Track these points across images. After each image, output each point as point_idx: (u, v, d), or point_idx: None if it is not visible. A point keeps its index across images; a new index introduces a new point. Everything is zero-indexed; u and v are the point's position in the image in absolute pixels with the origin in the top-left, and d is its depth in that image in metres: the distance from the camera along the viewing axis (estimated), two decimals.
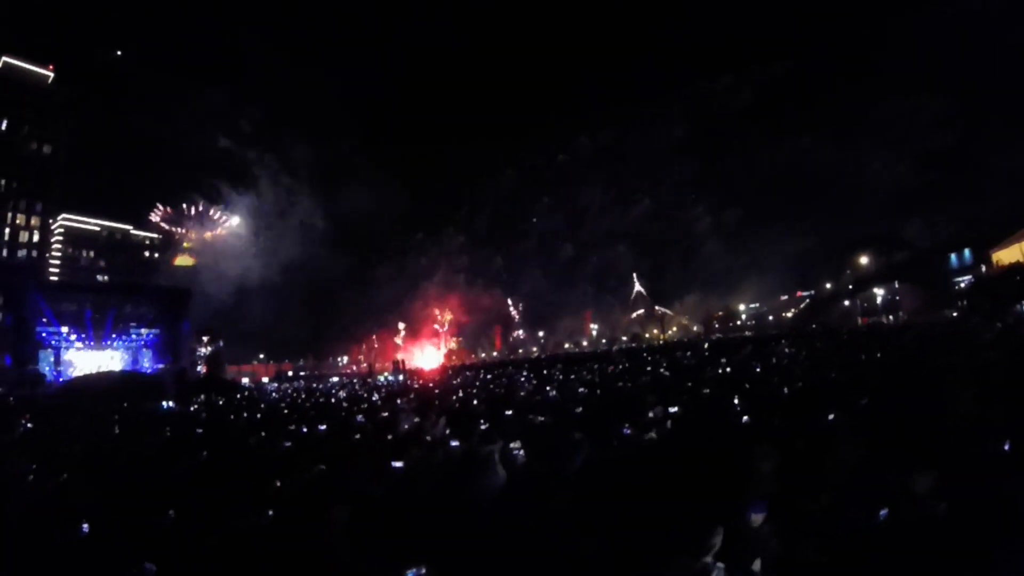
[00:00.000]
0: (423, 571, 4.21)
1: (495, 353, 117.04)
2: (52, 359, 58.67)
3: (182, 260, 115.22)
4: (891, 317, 67.20)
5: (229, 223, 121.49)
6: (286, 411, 19.90)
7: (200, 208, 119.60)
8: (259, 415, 19.72)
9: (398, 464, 7.82)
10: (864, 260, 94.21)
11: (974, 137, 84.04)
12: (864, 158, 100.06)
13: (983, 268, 65.86)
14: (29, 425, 20.58)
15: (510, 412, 12.67)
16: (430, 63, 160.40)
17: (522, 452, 7.73)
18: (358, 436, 11.21)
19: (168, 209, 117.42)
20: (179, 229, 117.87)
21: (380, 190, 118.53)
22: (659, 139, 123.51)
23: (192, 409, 26.01)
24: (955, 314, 49.32)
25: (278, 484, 7.32)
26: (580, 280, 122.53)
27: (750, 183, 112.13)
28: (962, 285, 66.68)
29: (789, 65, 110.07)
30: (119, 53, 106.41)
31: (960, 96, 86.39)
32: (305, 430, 13.05)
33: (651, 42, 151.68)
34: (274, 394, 40.65)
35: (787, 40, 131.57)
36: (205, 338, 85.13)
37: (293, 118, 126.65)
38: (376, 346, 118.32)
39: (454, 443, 8.85)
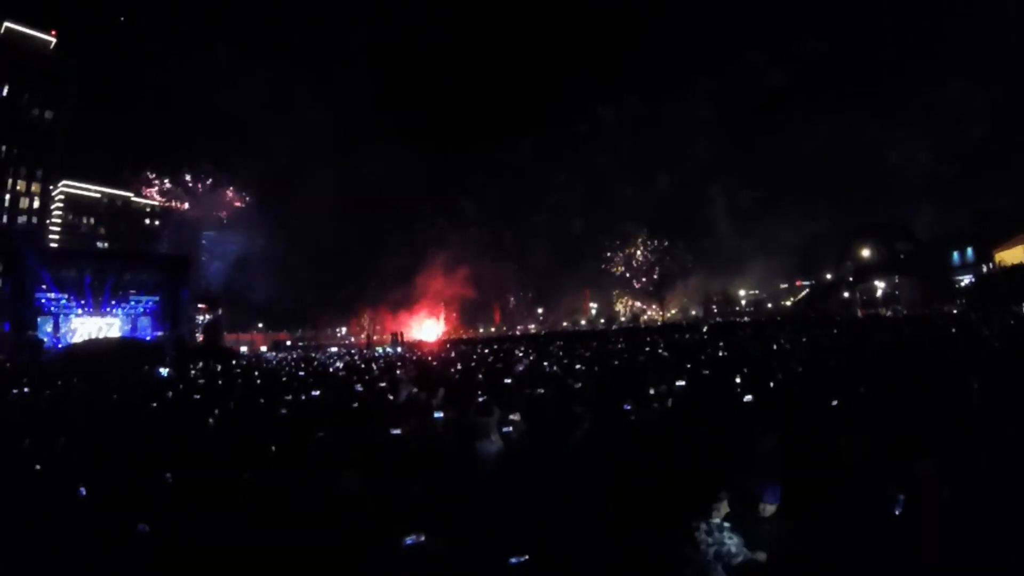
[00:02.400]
0: (422, 538, 4.21)
1: (492, 329, 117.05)
2: (51, 325, 58.61)
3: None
4: (889, 311, 66.96)
5: (231, 192, 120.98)
6: (284, 379, 19.86)
7: (201, 177, 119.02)
8: (257, 382, 19.75)
9: (396, 431, 7.81)
10: (866, 251, 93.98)
11: (993, 133, 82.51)
12: (877, 145, 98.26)
13: (985, 267, 65.68)
14: (27, 390, 20.53)
15: (508, 381, 12.68)
16: (451, 29, 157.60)
17: (520, 423, 7.72)
18: (356, 405, 11.20)
19: (166, 181, 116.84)
20: (178, 203, 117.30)
21: (387, 161, 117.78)
22: (675, 119, 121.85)
23: (191, 375, 26.01)
24: (955, 311, 49.29)
25: (274, 449, 7.30)
26: (584, 257, 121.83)
27: (760, 166, 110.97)
28: (963, 283, 66.64)
29: (809, 47, 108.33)
30: (122, 19, 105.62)
31: (986, 90, 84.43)
32: (303, 398, 13.06)
33: (671, 21, 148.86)
34: (273, 362, 40.64)
35: (807, 20, 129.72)
36: (203, 306, 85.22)
37: (300, 84, 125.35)
38: (373, 318, 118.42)
39: (447, 414, 8.84)
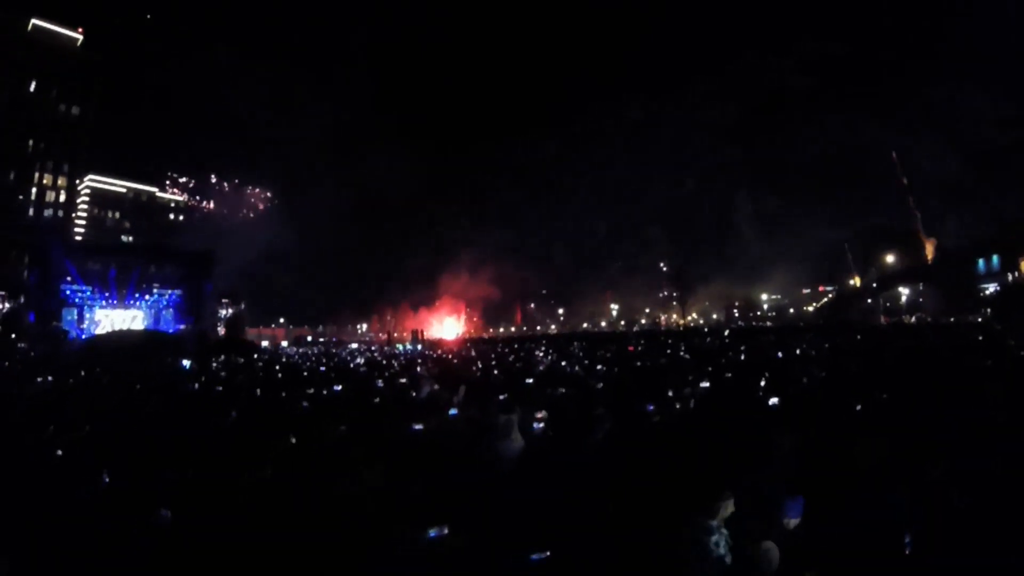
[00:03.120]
0: (445, 531, 4.23)
1: (512, 329, 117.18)
2: (75, 316, 59.37)
3: None
4: (913, 319, 66.29)
5: (255, 190, 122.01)
6: (305, 374, 19.99)
7: (225, 175, 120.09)
8: (279, 376, 19.89)
9: (418, 427, 7.84)
10: (890, 258, 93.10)
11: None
12: (904, 151, 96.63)
13: (1011, 275, 64.84)
14: (49, 378, 20.79)
15: (530, 381, 12.68)
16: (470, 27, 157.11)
17: (542, 423, 7.74)
18: (377, 400, 11.24)
19: (191, 180, 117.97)
20: (203, 201, 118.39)
21: (411, 160, 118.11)
22: (701, 120, 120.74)
23: (212, 368, 26.23)
24: (979, 319, 48.67)
25: (294, 442, 7.34)
26: (607, 260, 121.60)
27: (782, 170, 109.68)
28: (988, 291, 65.83)
29: (834, 50, 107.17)
30: (148, 16, 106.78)
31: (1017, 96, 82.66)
32: (324, 392, 13.12)
33: (698, 18, 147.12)
34: (296, 357, 40.89)
35: (837, 22, 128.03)
36: (226, 300, 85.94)
37: (325, 82, 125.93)
38: (394, 316, 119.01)
39: (468, 411, 8.87)
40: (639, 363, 18.68)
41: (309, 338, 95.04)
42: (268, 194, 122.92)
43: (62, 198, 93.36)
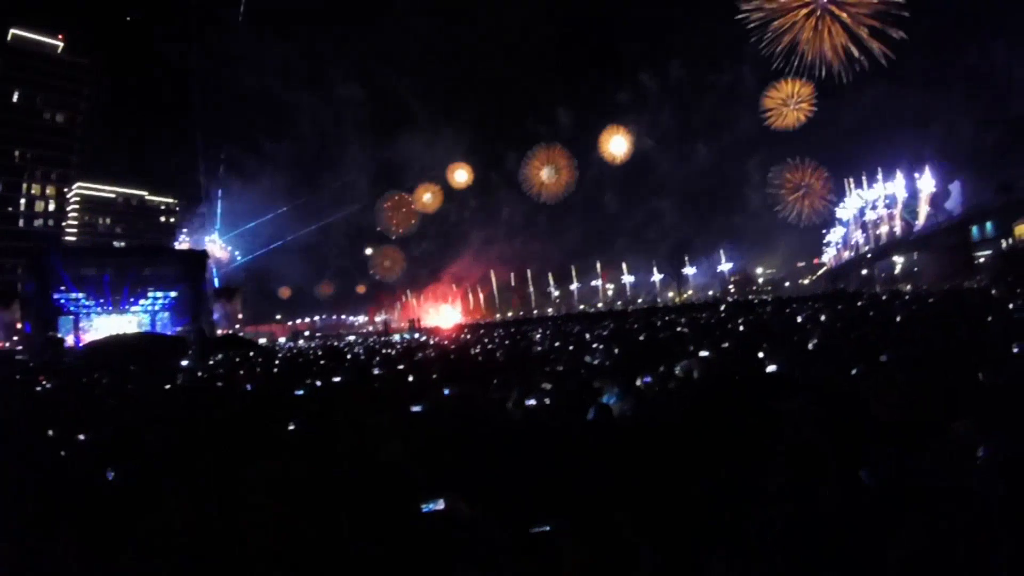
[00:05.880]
0: (440, 504, 4.21)
1: (510, 313, 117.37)
2: (71, 324, 59.32)
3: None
4: (909, 287, 66.51)
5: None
6: (302, 362, 20.06)
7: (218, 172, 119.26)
8: (276, 369, 19.89)
9: (416, 408, 7.79)
10: (884, 228, 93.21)
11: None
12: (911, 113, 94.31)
13: (1005, 242, 64.97)
14: (48, 385, 20.67)
15: (527, 359, 12.68)
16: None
17: (548, 393, 7.72)
18: (377, 384, 11.23)
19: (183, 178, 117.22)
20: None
21: (402, 149, 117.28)
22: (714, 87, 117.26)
23: (211, 365, 26.24)
24: (975, 286, 48.79)
25: (292, 428, 7.31)
26: (604, 237, 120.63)
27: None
28: (982, 259, 66.05)
29: None
30: (128, 19, 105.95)
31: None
32: (318, 383, 13.09)
33: None
34: (294, 350, 41.04)
35: None
36: (222, 299, 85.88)
37: (317, 72, 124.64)
38: (391, 306, 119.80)
39: (468, 390, 8.83)
40: (640, 338, 18.71)
41: (307, 332, 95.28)
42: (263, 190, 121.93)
43: (51, 206, 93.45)
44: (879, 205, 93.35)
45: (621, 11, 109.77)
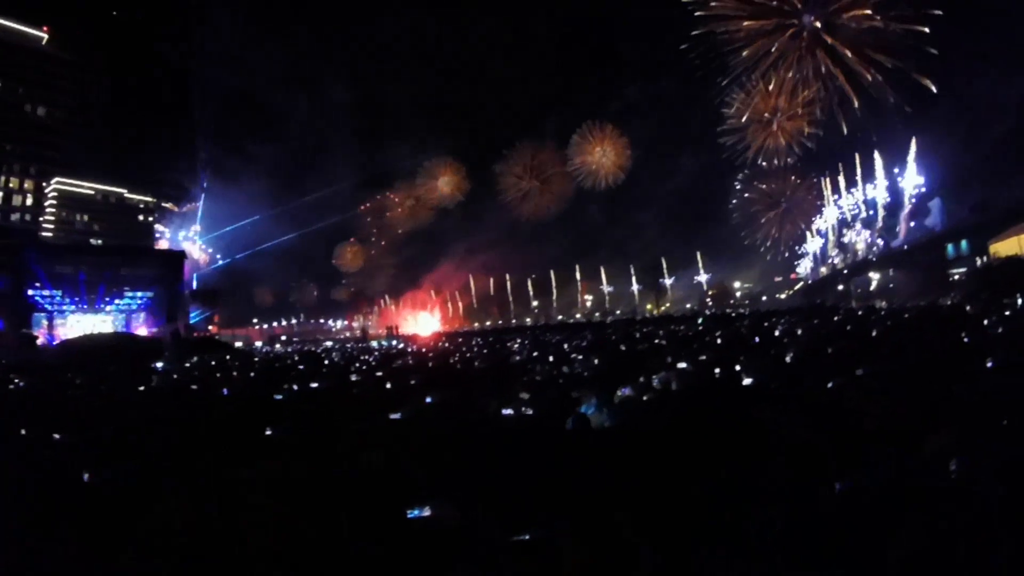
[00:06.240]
0: (426, 511, 4.22)
1: (488, 323, 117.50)
2: (45, 323, 58.60)
3: None
4: (884, 303, 67.35)
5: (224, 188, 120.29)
6: (278, 365, 19.93)
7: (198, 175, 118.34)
8: (252, 373, 19.74)
9: (396, 416, 7.80)
10: (861, 245, 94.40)
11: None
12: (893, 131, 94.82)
13: (979, 259, 65.96)
14: (21, 384, 20.38)
15: (505, 368, 12.70)
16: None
17: (527, 402, 7.75)
18: (355, 391, 11.19)
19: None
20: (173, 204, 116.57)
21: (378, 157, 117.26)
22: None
23: (187, 367, 25.96)
24: (949, 302, 49.53)
25: (268, 433, 7.29)
26: (585, 248, 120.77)
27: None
28: (957, 276, 67.03)
29: None
30: (114, 14, 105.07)
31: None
32: (295, 388, 13.02)
33: None
34: (271, 354, 40.78)
35: None
36: (199, 301, 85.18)
37: (299, 79, 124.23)
38: (369, 312, 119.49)
39: (447, 398, 8.84)
40: (620, 348, 18.81)
41: (284, 337, 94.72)
42: (242, 192, 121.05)
43: (29, 201, 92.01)
44: (857, 223, 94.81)
45: (599, 27, 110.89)
